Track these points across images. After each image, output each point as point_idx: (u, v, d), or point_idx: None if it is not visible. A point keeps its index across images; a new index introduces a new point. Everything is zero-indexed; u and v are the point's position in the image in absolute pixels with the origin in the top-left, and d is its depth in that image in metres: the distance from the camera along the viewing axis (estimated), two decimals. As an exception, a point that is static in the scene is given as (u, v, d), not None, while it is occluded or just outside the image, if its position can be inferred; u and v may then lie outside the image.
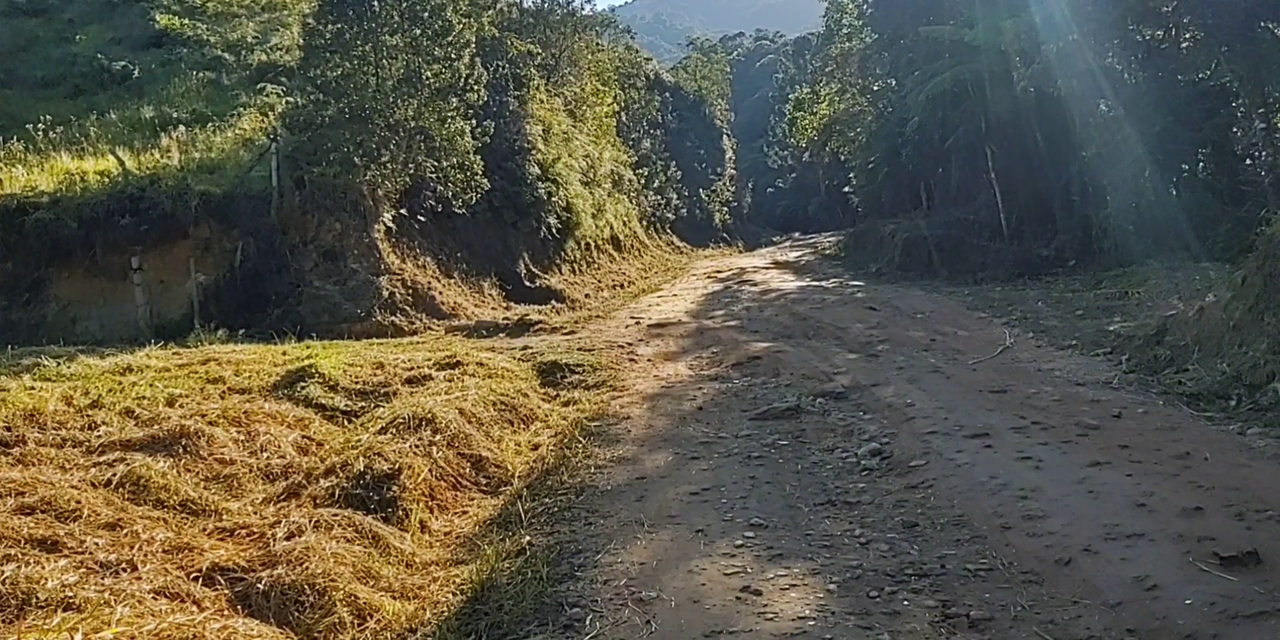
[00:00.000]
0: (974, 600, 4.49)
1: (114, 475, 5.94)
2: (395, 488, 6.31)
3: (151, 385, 8.50)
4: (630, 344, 13.32)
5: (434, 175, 17.27)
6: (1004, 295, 16.95)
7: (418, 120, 16.58)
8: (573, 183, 25.11)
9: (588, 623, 4.46)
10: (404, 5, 16.61)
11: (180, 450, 6.61)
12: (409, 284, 16.34)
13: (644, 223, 36.82)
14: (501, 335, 14.62)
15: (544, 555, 5.33)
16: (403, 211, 17.34)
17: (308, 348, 11.61)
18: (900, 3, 26.54)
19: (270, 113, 18.30)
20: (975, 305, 15.96)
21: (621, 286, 24.64)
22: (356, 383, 9.34)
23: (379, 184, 16.37)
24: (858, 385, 9.61)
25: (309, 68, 16.51)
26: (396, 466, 6.52)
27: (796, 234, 54.53)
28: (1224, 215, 16.54)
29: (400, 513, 6.13)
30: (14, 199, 14.88)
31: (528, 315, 16.60)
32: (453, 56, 17.14)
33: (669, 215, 41.16)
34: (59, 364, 9.39)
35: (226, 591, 4.73)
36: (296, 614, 4.62)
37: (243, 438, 7.15)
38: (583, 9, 32.48)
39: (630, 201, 34.53)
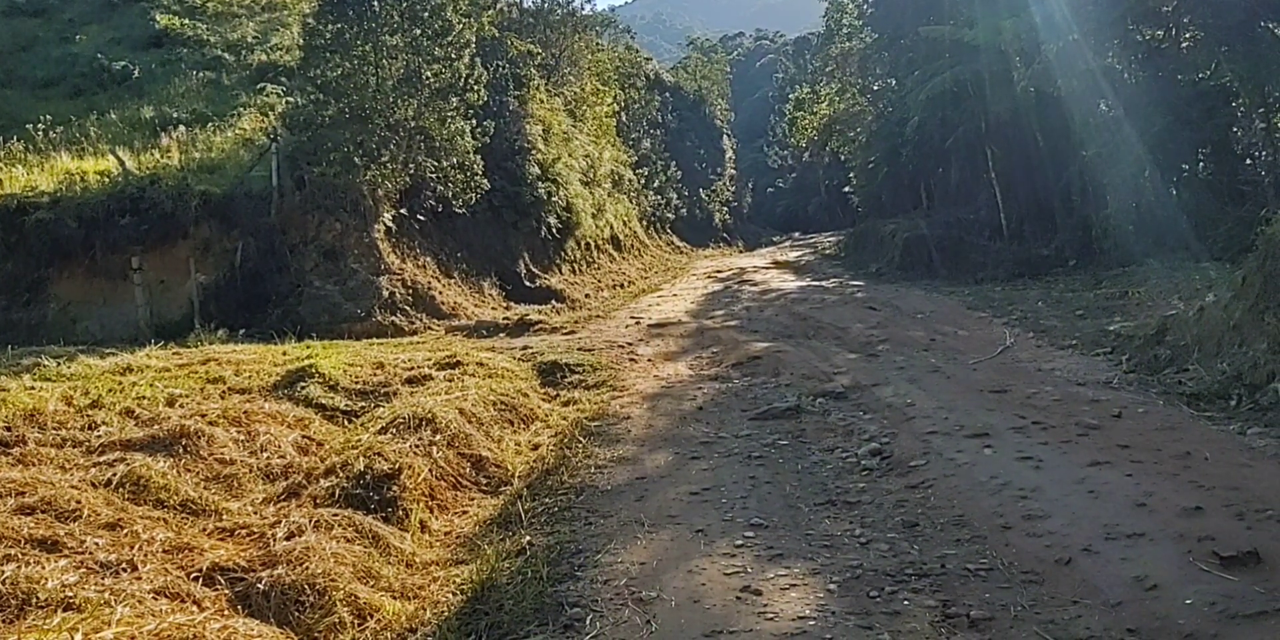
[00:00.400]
0: (974, 600, 4.49)
1: (114, 475, 5.94)
2: (395, 488, 6.31)
3: (151, 385, 8.50)
4: (630, 344, 13.32)
5: (434, 175, 17.27)
6: (1004, 295, 16.94)
7: (418, 120, 16.59)
8: (573, 183, 25.11)
9: (588, 623, 4.47)
10: (404, 5, 16.62)
11: (180, 450, 6.60)
12: (409, 284, 16.34)
13: (644, 223, 36.81)
14: (501, 335, 14.63)
15: (544, 555, 5.33)
16: (403, 211, 17.34)
17: (308, 348, 11.61)
18: (900, 3, 26.52)
19: (270, 113, 18.32)
20: (975, 305, 15.95)
21: (621, 286, 24.64)
22: (356, 383, 9.34)
23: (379, 184, 16.38)
24: (858, 385, 9.60)
25: (309, 68, 16.51)
26: (396, 466, 6.52)
27: (796, 234, 54.46)
28: (1224, 215, 16.53)
29: (400, 513, 6.13)
30: (14, 199, 14.91)
31: (528, 315, 16.60)
32: (453, 56, 17.14)
33: (669, 215, 41.16)
34: (59, 364, 9.39)
35: (226, 591, 4.73)
36: (296, 614, 4.62)
37: (243, 438, 7.14)
38: (583, 9, 32.53)
39: (630, 201, 34.52)
